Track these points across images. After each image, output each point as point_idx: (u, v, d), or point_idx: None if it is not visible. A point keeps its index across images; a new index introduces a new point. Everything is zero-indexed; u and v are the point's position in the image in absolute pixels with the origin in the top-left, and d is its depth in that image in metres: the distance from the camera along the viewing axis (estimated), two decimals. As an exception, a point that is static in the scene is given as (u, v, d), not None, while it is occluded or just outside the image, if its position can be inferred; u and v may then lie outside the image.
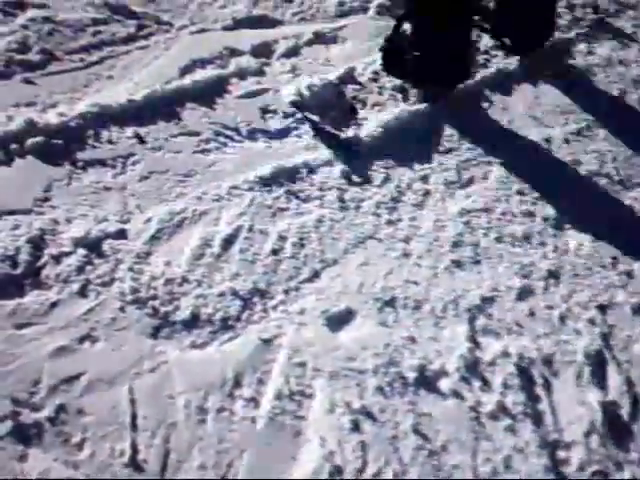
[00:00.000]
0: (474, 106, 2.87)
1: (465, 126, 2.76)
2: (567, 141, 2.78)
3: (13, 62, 2.70)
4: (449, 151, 2.68)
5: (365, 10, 3.15)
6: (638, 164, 2.75)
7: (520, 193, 2.57)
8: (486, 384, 2.00)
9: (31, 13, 2.88)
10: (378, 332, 2.10)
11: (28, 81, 2.67)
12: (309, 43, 2.98)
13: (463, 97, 2.87)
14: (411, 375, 1.99)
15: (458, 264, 2.32)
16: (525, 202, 2.55)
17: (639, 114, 2.98)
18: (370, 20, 3.11)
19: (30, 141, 2.46)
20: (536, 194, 2.58)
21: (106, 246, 2.22)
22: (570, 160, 2.71)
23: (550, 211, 2.53)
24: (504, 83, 2.98)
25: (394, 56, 2.78)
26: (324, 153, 2.60)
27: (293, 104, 2.69)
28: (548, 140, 2.78)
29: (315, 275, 2.24)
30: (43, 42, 2.80)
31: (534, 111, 2.89)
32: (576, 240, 2.44)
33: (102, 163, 2.46)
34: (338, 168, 2.55)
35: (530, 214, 2.51)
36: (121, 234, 2.26)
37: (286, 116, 2.71)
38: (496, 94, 2.93)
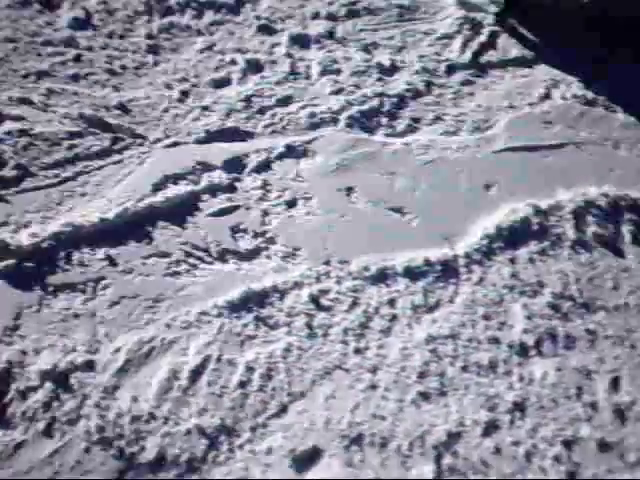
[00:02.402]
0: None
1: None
2: (532, 261, 2.73)
3: (-14, 177, 2.63)
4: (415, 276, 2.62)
5: (335, 122, 3.10)
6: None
7: (486, 318, 2.51)
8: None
9: (8, 126, 2.81)
10: (345, 473, 2.03)
11: (1, 199, 2.59)
12: (280, 157, 2.92)
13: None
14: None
15: (425, 396, 2.26)
16: (491, 327, 2.49)
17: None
18: (340, 132, 3.06)
19: (1, 264, 2.39)
20: (502, 318, 2.52)
21: (73, 379, 2.15)
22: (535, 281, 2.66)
23: (515, 337, 2.47)
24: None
25: None
26: (293, 275, 2.54)
27: None
28: (512, 260, 2.72)
29: (282, 410, 2.17)
30: (19, 157, 2.72)
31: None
32: (541, 368, 2.38)
33: (72, 287, 2.39)
34: (306, 291, 2.49)
35: (495, 340, 2.45)
36: (89, 366, 2.19)
37: (256, 235, 2.64)
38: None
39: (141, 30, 3.32)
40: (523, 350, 2.44)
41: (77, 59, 3.14)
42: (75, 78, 3.06)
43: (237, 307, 2.41)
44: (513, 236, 2.78)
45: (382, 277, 2.58)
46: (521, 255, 2.73)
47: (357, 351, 2.35)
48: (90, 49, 3.18)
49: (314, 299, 2.48)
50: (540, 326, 2.52)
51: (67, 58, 3.13)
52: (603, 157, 3.16)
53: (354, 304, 2.49)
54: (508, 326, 2.50)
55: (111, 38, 3.26)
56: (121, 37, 3.28)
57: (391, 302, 2.52)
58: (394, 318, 2.47)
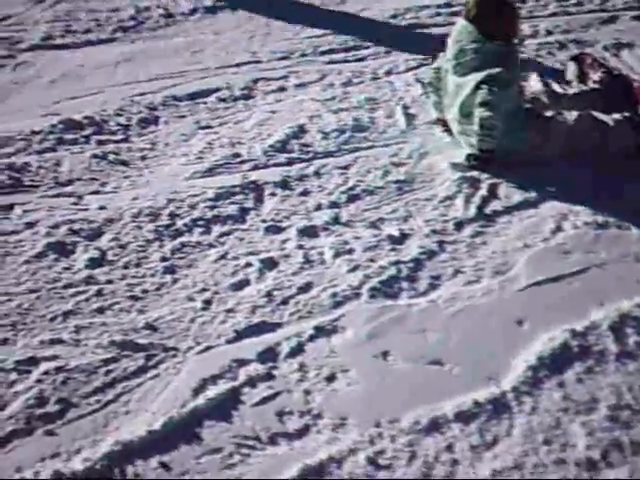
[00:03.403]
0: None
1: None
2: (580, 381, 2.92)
3: (33, 417, 2.88)
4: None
5: (358, 296, 3.39)
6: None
7: (546, 442, 2.67)
8: None
9: (44, 367, 3.10)
10: None
11: (50, 433, 2.84)
12: (311, 339, 3.19)
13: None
14: None
15: (501, 529, 2.38)
16: (554, 450, 2.64)
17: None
18: (364, 305, 3.34)
19: None
20: (562, 440, 2.68)
21: None
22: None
23: (580, 454, 2.61)
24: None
25: None
26: (347, 443, 2.73)
27: None
28: (561, 384, 2.91)
29: None
30: (59, 392, 2.99)
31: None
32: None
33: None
34: (362, 455, 2.67)
35: (562, 461, 2.60)
36: None
37: (302, 415, 2.85)
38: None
39: (155, 255, 3.69)
40: (591, 465, 2.58)
41: (99, 294, 3.48)
42: (100, 310, 3.38)
43: (298, 490, 2.59)
44: (556, 362, 2.99)
45: (435, 426, 2.77)
46: (568, 378, 2.93)
47: (420, 506, 2.50)
48: (110, 282, 3.53)
49: (372, 461, 2.66)
50: (603, 439, 2.68)
51: (89, 295, 3.46)
52: (627, 272, 3.43)
53: (412, 457, 2.67)
54: (571, 446, 2.66)
55: (128, 268, 3.62)
56: (137, 265, 3.64)
57: (449, 448, 2.69)
58: (455, 462, 2.64)
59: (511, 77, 4.08)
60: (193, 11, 6.10)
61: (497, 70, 4.01)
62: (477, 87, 4.05)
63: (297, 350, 3.14)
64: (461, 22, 4.24)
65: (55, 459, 2.74)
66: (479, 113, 4.01)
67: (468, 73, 4.12)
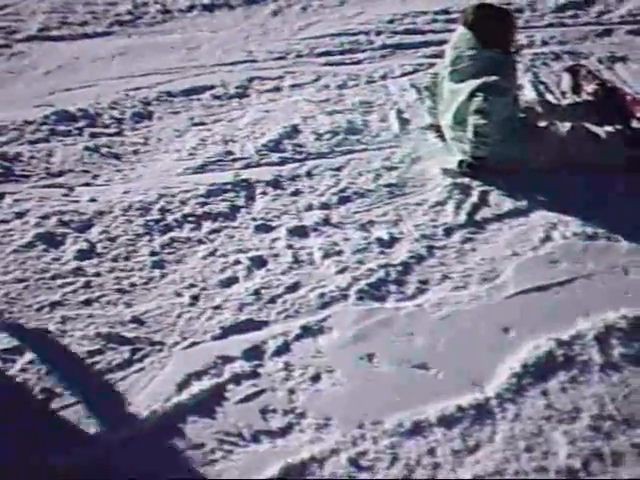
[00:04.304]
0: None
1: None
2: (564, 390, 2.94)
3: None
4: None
5: (346, 297, 3.40)
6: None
7: (528, 450, 2.69)
8: None
9: (29, 356, 3.10)
10: None
11: (32, 423, 2.83)
12: (297, 338, 3.19)
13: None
14: None
15: (481, 533, 2.39)
16: (535, 458, 2.66)
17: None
18: (352, 306, 3.35)
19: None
20: (544, 447, 2.69)
21: None
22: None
23: (561, 463, 2.63)
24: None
25: None
26: (329, 443, 2.74)
27: None
28: (544, 392, 2.93)
29: None
30: (43, 382, 2.99)
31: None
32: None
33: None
34: (344, 456, 2.68)
35: (542, 469, 2.62)
36: None
37: (286, 413, 2.86)
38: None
39: (144, 250, 3.69)
40: (571, 473, 2.60)
41: (87, 285, 3.48)
42: (87, 302, 3.38)
43: (278, 482, 2.60)
44: (540, 370, 3.01)
45: (418, 430, 2.78)
46: (552, 386, 2.94)
47: (404, 510, 2.51)
48: (98, 274, 3.53)
49: (353, 462, 2.67)
50: (584, 448, 2.69)
51: (77, 286, 3.46)
52: (614, 283, 3.44)
53: (394, 460, 2.68)
54: (552, 454, 2.67)
55: (116, 261, 3.62)
56: (126, 259, 3.64)
57: (431, 451, 2.70)
58: (437, 466, 2.65)
59: (507, 85, 4.10)
60: (190, 8, 6.13)
61: (493, 78, 4.03)
62: (472, 94, 4.07)
63: (283, 349, 3.15)
64: (460, 29, 4.26)
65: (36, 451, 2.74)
66: (474, 120, 4.03)
67: (464, 80, 4.14)
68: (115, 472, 2.66)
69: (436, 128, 4.49)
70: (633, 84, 5.04)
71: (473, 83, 4.08)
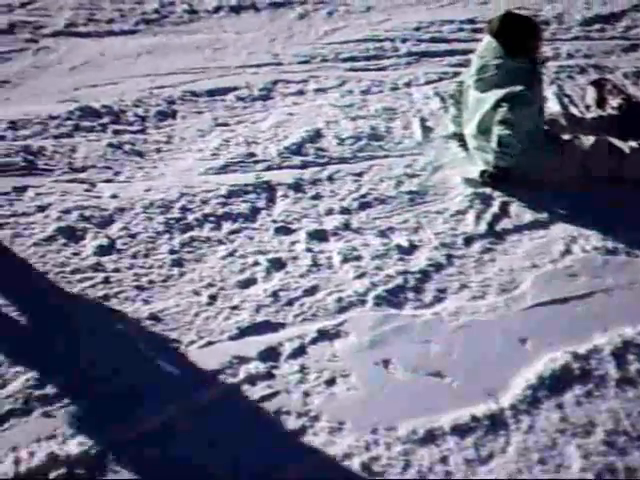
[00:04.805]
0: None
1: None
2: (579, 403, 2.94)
3: (32, 398, 2.90)
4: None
5: (363, 303, 3.41)
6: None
7: (541, 462, 2.69)
8: None
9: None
10: None
11: (47, 414, 2.85)
12: (314, 341, 3.21)
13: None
14: None
15: None
16: (548, 470, 2.66)
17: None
18: (369, 312, 3.36)
19: (53, 474, 2.62)
20: (558, 460, 2.69)
21: None
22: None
23: (574, 476, 2.63)
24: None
25: None
26: (342, 447, 2.74)
27: None
28: (559, 405, 2.93)
29: None
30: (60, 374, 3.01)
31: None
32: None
33: (125, 487, 2.61)
34: (357, 460, 2.69)
35: (555, 482, 2.62)
36: None
37: (299, 416, 2.87)
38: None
39: (164, 247, 3.71)
40: (586, 489, 2.60)
41: (106, 281, 3.50)
42: (105, 298, 3.40)
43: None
44: (556, 383, 3.01)
45: (431, 438, 2.79)
46: (567, 400, 2.95)
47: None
48: (117, 270, 3.56)
49: (366, 467, 2.67)
50: (598, 463, 2.69)
51: (96, 281, 3.49)
52: (633, 299, 3.44)
53: (407, 466, 2.68)
54: (565, 467, 2.68)
55: (136, 258, 3.64)
56: (145, 256, 3.66)
57: (443, 460, 2.71)
58: (449, 474, 2.66)
59: (532, 96, 4.09)
60: (217, 9, 6.15)
61: (519, 88, 4.03)
62: (497, 104, 4.07)
63: (299, 352, 3.16)
64: (487, 38, 4.26)
65: (51, 441, 2.76)
66: (498, 131, 4.04)
67: (489, 89, 4.14)
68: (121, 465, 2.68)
69: (459, 137, 4.49)
70: (658, 100, 5.03)
71: (498, 92, 4.08)
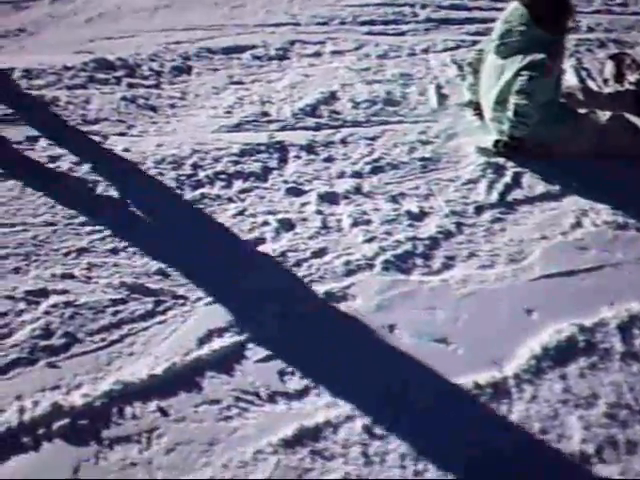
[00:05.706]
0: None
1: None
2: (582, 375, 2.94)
3: (37, 348, 2.91)
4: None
5: (371, 267, 3.40)
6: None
7: (543, 432, 2.69)
8: None
9: (53, 299, 3.12)
10: None
11: (52, 365, 2.86)
12: (320, 303, 3.21)
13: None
14: None
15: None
16: (549, 440, 2.66)
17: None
18: (377, 276, 3.36)
19: (56, 425, 2.63)
20: (559, 430, 2.70)
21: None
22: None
23: (575, 447, 2.64)
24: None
25: None
26: (345, 409, 2.75)
27: None
28: (563, 377, 2.93)
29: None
30: (65, 326, 3.01)
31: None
32: (605, 475, 2.54)
33: (127, 439, 2.61)
34: (360, 422, 2.70)
35: (556, 451, 2.63)
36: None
37: (303, 377, 2.87)
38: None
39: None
40: (585, 459, 2.60)
41: (115, 234, 3.49)
42: (114, 251, 3.40)
43: (291, 443, 2.61)
44: (561, 354, 3.01)
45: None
46: (571, 371, 2.95)
47: (416, 473, 2.52)
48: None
49: (368, 429, 2.68)
50: (599, 435, 2.70)
51: (105, 234, 3.48)
52: (642, 275, 3.43)
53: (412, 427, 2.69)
54: (566, 438, 2.68)
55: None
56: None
57: (444, 426, 2.72)
58: (449, 440, 2.66)
59: (552, 66, 4.04)
60: (236, -34, 6.08)
61: (540, 57, 3.98)
62: (517, 73, 4.02)
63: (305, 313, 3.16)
64: (514, 4, 4.21)
65: (55, 391, 2.77)
66: (515, 100, 4.00)
67: (510, 55, 4.09)
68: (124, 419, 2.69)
69: (475, 105, 4.46)
70: (678, 76, 4.98)
71: (519, 59, 4.04)
